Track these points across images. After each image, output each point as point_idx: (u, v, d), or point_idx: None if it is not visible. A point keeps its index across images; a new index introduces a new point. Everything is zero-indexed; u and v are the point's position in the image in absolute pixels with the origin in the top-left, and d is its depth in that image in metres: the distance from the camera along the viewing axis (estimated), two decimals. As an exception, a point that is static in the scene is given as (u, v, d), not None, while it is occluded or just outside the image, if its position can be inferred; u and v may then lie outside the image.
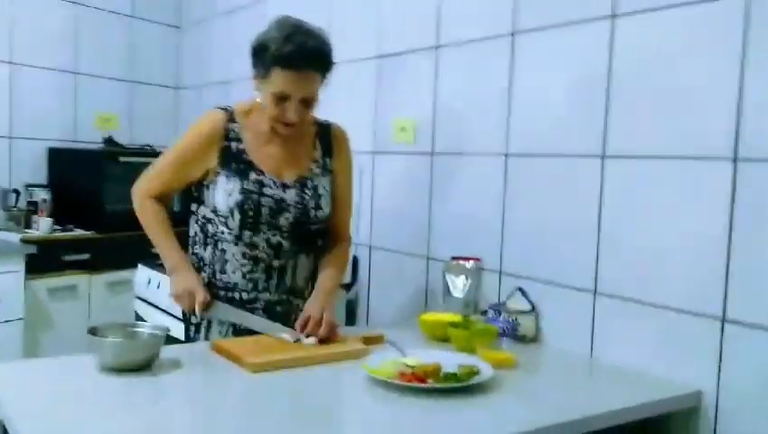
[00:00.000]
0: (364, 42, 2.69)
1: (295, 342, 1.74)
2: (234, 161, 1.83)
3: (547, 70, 2.00)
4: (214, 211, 1.84)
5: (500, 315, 1.98)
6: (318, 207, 1.88)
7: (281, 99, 1.75)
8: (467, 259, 2.17)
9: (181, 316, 2.02)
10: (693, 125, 1.66)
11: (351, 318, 2.71)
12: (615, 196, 1.82)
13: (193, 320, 1.91)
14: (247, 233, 1.82)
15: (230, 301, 1.85)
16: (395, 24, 2.58)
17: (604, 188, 1.85)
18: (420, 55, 2.44)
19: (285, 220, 1.84)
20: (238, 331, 1.85)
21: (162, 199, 1.89)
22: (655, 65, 1.73)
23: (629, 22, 1.79)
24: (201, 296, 1.77)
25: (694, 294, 1.65)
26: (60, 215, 3.44)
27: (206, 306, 1.78)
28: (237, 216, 1.80)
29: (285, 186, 1.85)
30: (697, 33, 1.65)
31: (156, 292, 2.80)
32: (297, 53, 1.71)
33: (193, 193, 1.90)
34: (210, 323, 1.88)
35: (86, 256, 3.29)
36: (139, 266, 2.98)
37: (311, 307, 1.81)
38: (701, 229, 1.63)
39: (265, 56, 1.73)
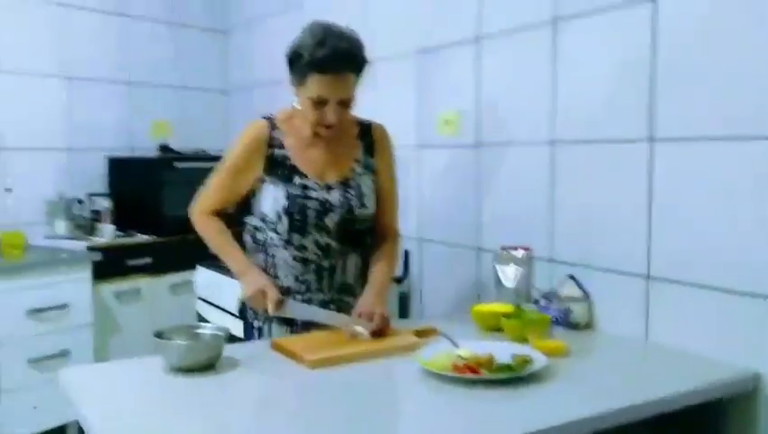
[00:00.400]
0: (404, 37, 2.71)
1: (355, 336, 1.79)
2: (279, 167, 1.88)
3: (591, 56, 1.99)
4: (263, 218, 1.90)
5: (552, 303, 1.98)
6: (363, 205, 1.92)
7: (319, 103, 1.79)
8: (517, 248, 2.18)
9: (239, 315, 2.08)
10: (741, 104, 1.63)
11: (404, 311, 2.75)
12: (665, 179, 1.81)
13: (255, 324, 1.97)
14: (295, 236, 1.88)
15: None
16: (434, 18, 2.59)
17: (654, 172, 1.83)
18: (461, 47, 2.45)
19: (331, 220, 1.88)
20: (296, 333, 1.91)
21: (219, 214, 1.96)
22: (699, 45, 1.71)
23: (672, 2, 1.77)
24: (273, 294, 1.81)
25: (749, 275, 1.63)
26: (122, 222, 3.57)
27: (278, 305, 1.82)
28: (285, 221, 1.86)
29: (329, 188, 1.89)
30: (742, 9, 1.62)
31: (216, 292, 2.89)
32: (331, 57, 1.75)
33: (242, 204, 1.96)
34: (270, 327, 1.94)
35: (148, 260, 3.41)
36: (198, 267, 3.08)
37: (364, 302, 1.85)
38: (754, 209, 1.61)
39: (300, 63, 1.78)
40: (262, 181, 1.89)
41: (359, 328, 1.80)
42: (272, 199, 1.87)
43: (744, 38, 1.62)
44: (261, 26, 3.90)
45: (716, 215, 1.69)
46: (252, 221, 1.94)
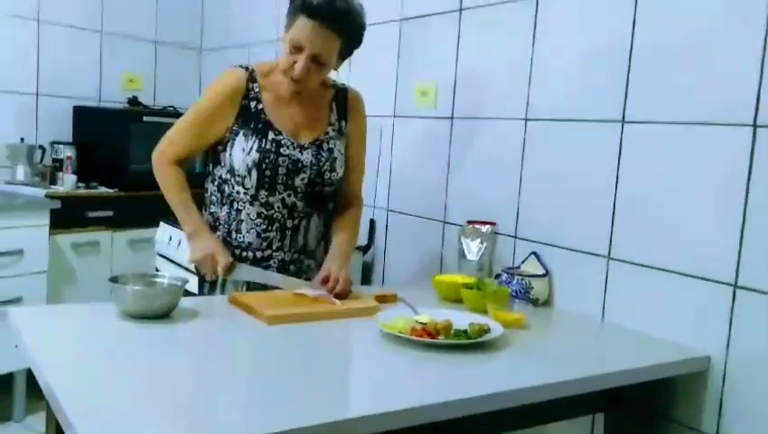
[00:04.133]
0: (387, 4, 2.68)
1: (317, 297, 1.77)
2: (252, 120, 1.85)
3: (571, 34, 1.99)
4: (230, 171, 1.86)
5: (513, 278, 1.99)
6: (333, 169, 1.90)
7: (295, 48, 1.76)
8: (483, 223, 2.19)
9: (195, 270, 2.05)
10: (713, 90, 1.64)
11: (366, 280, 2.74)
12: (633, 162, 1.82)
13: (208, 278, 1.94)
14: (263, 193, 1.85)
15: (244, 260, 1.87)
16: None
17: (623, 153, 1.84)
18: (443, 18, 2.43)
19: (300, 180, 1.86)
20: (252, 289, 1.89)
21: (182, 163, 1.90)
22: (677, 30, 1.72)
23: (654, -14, 1.78)
24: (223, 259, 1.79)
25: (707, 260, 1.65)
26: (85, 173, 3.48)
27: (228, 269, 1.80)
28: (254, 175, 1.83)
29: (301, 147, 1.87)
30: (723, -3, 1.64)
31: (177, 249, 2.85)
32: (325, 6, 1.73)
33: (210, 153, 1.92)
34: (225, 282, 1.91)
35: (109, 213, 3.34)
36: (161, 224, 3.04)
37: (330, 265, 1.84)
38: (717, 195, 1.63)
39: (295, 3, 1.76)
40: (233, 132, 1.85)
41: (308, 290, 1.79)
42: (242, 151, 1.83)
43: (720, 25, 1.63)
44: (241, -15, 3.83)
45: (679, 200, 1.71)
46: (219, 172, 1.90)
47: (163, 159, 1.90)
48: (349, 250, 1.93)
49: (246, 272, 1.85)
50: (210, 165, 1.94)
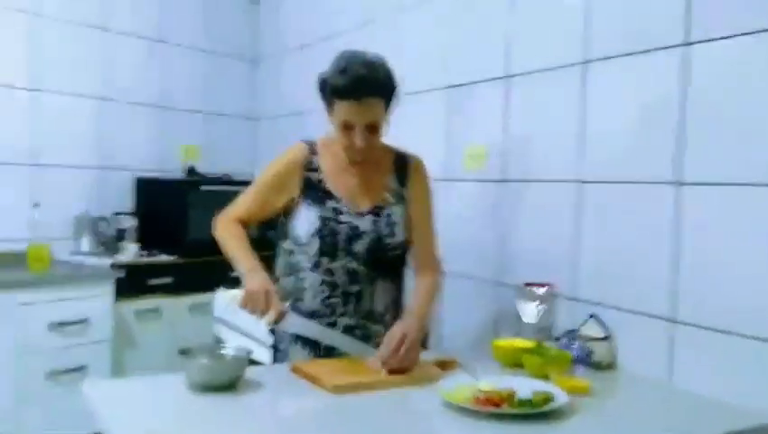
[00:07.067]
0: (435, 73, 2.75)
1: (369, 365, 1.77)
2: (314, 190, 1.92)
3: (620, 97, 2.01)
4: (295, 240, 1.93)
5: (573, 341, 1.97)
6: (392, 234, 1.93)
7: (346, 127, 1.83)
8: (540, 285, 2.19)
9: (271, 332, 2.07)
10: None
11: (422, 344, 2.73)
12: (693, 223, 1.81)
13: (281, 347, 1.98)
14: (324, 260, 1.90)
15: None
16: (465, 56, 2.63)
17: (682, 215, 1.83)
18: (490, 85, 2.48)
19: (360, 246, 1.90)
20: (318, 358, 1.91)
21: (243, 224, 1.98)
22: (729, 92, 1.73)
23: (703, 49, 1.79)
24: (277, 302, 1.77)
25: (776, 322, 1.62)
26: (146, 241, 3.62)
27: (279, 316, 1.78)
28: (315, 243, 1.89)
29: (360, 214, 1.92)
30: (774, 58, 1.65)
31: (235, 314, 2.90)
32: (350, 84, 1.79)
33: (279, 226, 2.00)
34: (293, 349, 1.94)
35: (169, 280, 3.44)
36: (220, 289, 3.11)
37: (396, 328, 1.80)
38: (782, 256, 1.61)
39: (326, 90, 1.85)
40: (298, 203, 1.92)
41: (369, 356, 1.79)
42: (306, 221, 1.90)
43: (776, 86, 1.64)
44: (291, 57, 3.98)
45: (743, 261, 1.69)
46: (286, 244, 1.98)
47: (225, 218, 1.98)
48: (420, 315, 1.88)
49: (296, 324, 1.84)
50: (281, 240, 2.01)
